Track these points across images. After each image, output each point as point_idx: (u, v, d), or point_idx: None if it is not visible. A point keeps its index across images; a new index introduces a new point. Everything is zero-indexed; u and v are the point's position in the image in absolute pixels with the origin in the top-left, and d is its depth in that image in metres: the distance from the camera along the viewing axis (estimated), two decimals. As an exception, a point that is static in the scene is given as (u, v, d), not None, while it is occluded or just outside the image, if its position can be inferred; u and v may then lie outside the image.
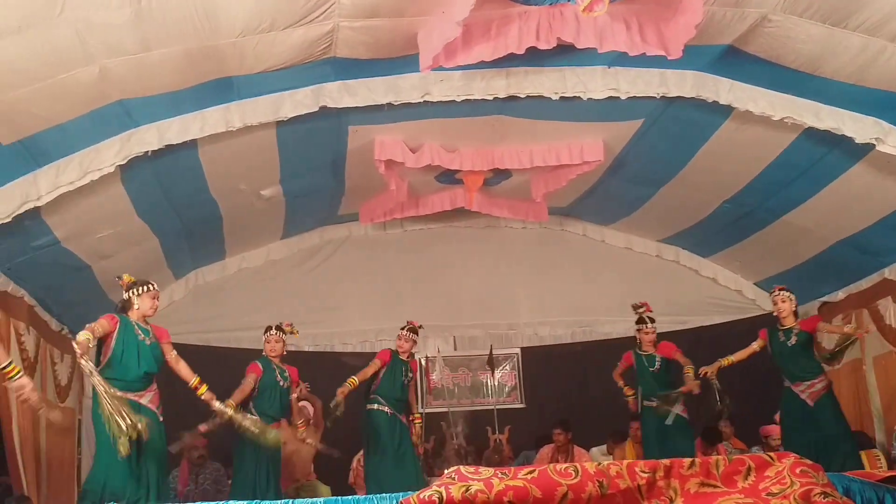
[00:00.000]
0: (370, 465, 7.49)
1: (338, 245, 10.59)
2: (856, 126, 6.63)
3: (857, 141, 6.66)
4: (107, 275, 7.93)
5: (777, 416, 7.68)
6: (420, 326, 7.85)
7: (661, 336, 9.15)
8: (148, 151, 6.41)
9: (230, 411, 6.07)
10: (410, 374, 7.78)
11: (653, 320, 7.90)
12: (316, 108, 6.70)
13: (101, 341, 5.67)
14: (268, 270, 10.28)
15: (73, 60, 5.33)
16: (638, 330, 7.95)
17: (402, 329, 7.77)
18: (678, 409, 7.52)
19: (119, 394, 5.24)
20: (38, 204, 6.22)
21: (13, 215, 6.08)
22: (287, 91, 6.58)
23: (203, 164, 7.27)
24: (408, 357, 7.76)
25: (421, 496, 4.03)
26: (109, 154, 6.28)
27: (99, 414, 5.34)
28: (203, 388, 6.02)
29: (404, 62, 6.48)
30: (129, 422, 5.13)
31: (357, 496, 4.37)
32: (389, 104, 6.85)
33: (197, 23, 5.33)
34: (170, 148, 6.50)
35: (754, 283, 10.43)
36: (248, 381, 6.85)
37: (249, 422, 6.16)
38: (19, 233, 6.51)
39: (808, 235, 8.73)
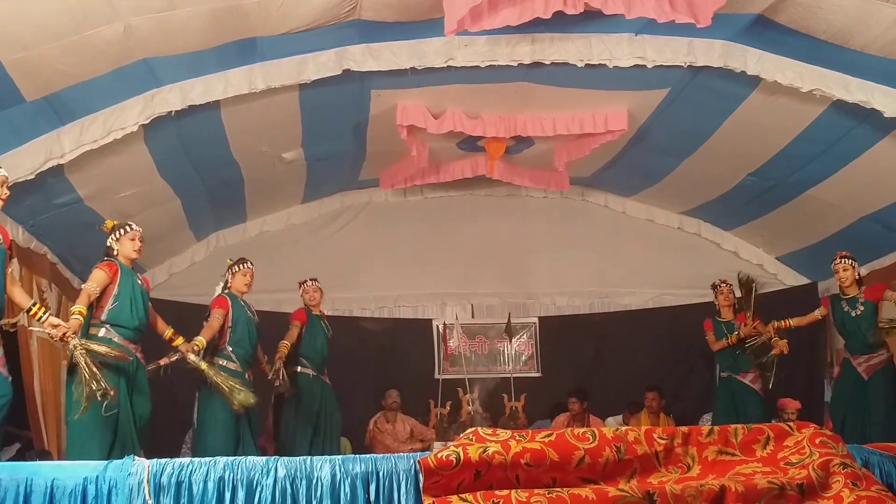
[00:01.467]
0: (287, 427, 7.12)
1: (358, 210, 10.59)
2: (886, 99, 6.51)
3: (885, 115, 6.54)
4: (129, 234, 7.98)
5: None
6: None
7: (683, 309, 9.16)
8: (171, 111, 6.43)
9: (203, 365, 5.83)
10: (329, 329, 7.56)
11: (729, 285, 7.87)
12: (339, 71, 6.68)
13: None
14: (288, 234, 10.30)
15: (99, 17, 5.33)
16: (715, 296, 7.93)
17: (304, 282, 7.54)
18: (748, 380, 7.52)
19: (98, 367, 4.94)
20: (62, 161, 6.25)
21: (37, 172, 6.11)
22: (310, 53, 6.55)
23: (225, 125, 7.28)
24: (320, 312, 7.57)
25: (438, 455, 4.05)
26: (133, 113, 6.30)
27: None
28: (179, 340, 5.89)
29: (429, 26, 6.44)
30: (102, 386, 4.86)
31: (374, 454, 4.40)
32: (413, 69, 6.81)
33: (222, -19, 5.31)
34: (193, 108, 6.51)
35: (776, 258, 10.36)
36: (216, 317, 6.27)
37: (221, 378, 5.88)
38: (42, 190, 6.55)
39: (832, 210, 8.65)
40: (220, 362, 6.23)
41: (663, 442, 4.22)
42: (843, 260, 6.99)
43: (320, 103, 7.38)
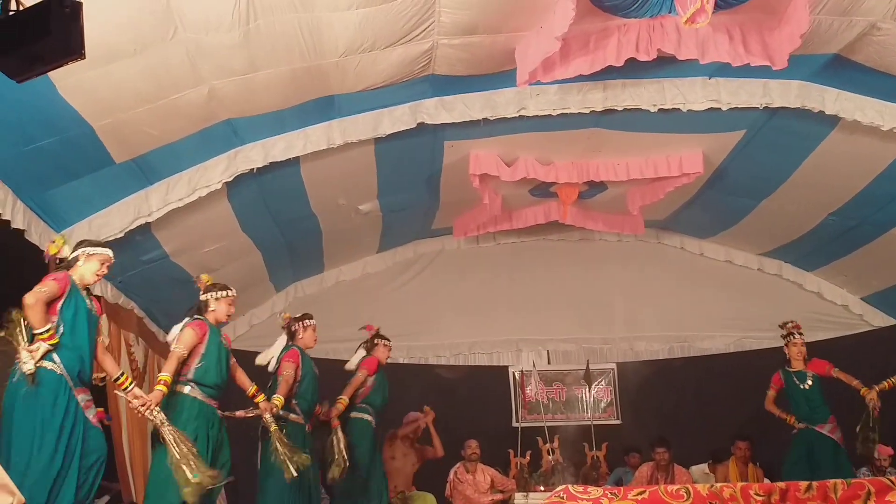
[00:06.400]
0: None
1: (431, 258, 10.66)
2: (971, 135, 6.37)
3: (971, 151, 6.40)
4: (212, 288, 8.16)
5: None
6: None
7: (766, 353, 8.88)
8: (253, 168, 6.60)
9: (273, 428, 5.82)
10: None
11: (801, 333, 7.44)
12: (414, 125, 6.80)
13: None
14: (364, 283, 10.42)
15: (184, 82, 5.53)
16: (786, 345, 7.49)
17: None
18: (826, 430, 7.16)
19: (189, 444, 4.95)
20: (149, 220, 6.47)
21: (125, 231, 6.34)
22: (386, 108, 6.69)
23: (305, 180, 7.44)
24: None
25: (529, 514, 4.02)
26: (217, 171, 6.49)
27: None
28: (261, 397, 5.90)
29: (500, 77, 6.53)
30: (200, 471, 4.84)
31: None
32: (485, 119, 6.89)
33: (302, 43, 5.47)
34: (274, 165, 6.68)
35: (861, 299, 10.06)
36: (290, 370, 6.31)
37: (284, 446, 5.84)
38: (130, 247, 6.76)
39: (918, 249, 8.42)
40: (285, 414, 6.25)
41: (760, 498, 4.11)
42: None
43: (395, 156, 7.51)
